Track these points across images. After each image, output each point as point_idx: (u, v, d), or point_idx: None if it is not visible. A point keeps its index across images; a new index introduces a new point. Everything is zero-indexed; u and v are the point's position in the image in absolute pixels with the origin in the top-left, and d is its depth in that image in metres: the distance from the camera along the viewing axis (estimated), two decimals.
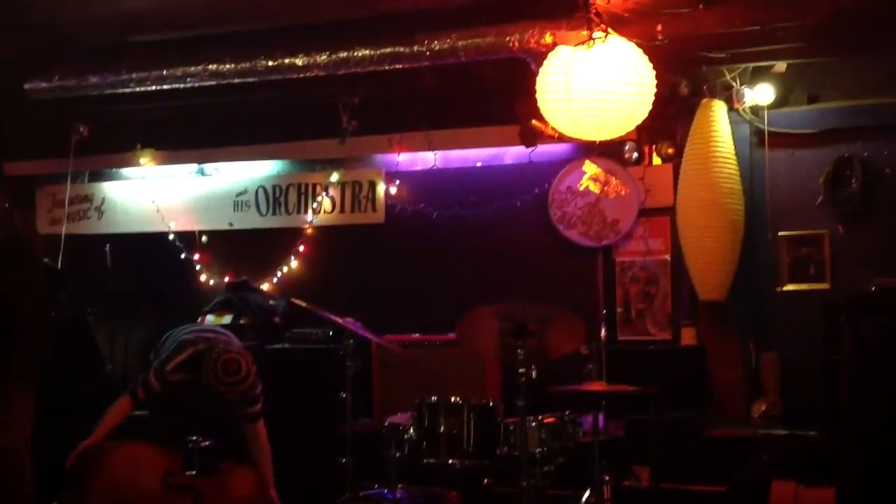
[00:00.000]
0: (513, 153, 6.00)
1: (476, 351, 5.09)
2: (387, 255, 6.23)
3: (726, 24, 4.62)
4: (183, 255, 6.69)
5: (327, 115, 5.94)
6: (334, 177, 6.39)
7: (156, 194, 6.79)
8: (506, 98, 5.31)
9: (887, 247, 5.09)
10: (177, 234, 6.72)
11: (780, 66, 5.27)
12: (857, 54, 5.09)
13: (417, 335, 5.63)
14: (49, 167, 6.93)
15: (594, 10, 4.33)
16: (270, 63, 5.25)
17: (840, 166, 5.22)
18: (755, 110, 5.44)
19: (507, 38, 4.88)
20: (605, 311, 5.34)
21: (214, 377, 4.27)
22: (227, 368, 4.29)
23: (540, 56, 4.57)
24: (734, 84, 5.37)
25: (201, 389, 4.32)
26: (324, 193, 6.42)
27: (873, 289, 4.52)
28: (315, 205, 6.44)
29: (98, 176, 7.08)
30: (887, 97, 5.18)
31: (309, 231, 6.44)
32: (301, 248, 6.43)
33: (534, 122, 5.11)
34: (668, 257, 5.64)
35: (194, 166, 6.85)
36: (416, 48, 5.01)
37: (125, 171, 7.00)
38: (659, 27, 4.69)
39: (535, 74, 4.50)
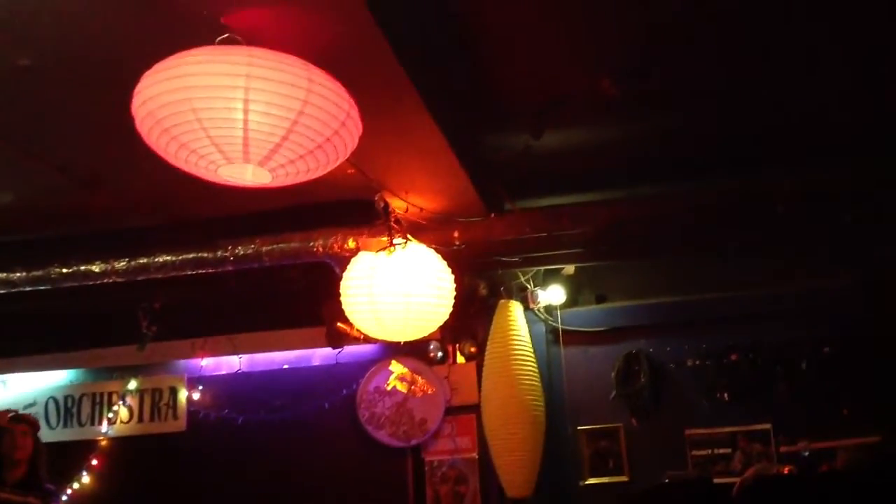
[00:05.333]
0: (320, 355, 5.98)
1: None
2: (189, 465, 5.93)
3: (516, 231, 4.95)
4: None
5: (126, 320, 5.75)
6: (132, 384, 6.13)
7: None
8: (312, 300, 5.35)
9: (676, 438, 5.36)
10: None
11: (569, 268, 5.64)
12: (635, 259, 5.53)
13: None
14: None
15: (394, 218, 4.52)
16: (65, 270, 5.05)
17: (629, 362, 5.53)
18: (549, 310, 5.73)
19: (311, 244, 4.94)
20: None
21: None
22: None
23: (344, 260, 4.67)
24: (528, 286, 5.67)
25: None
26: (121, 402, 6.13)
27: (666, 481, 4.72)
28: (111, 415, 6.12)
29: None
30: (666, 297, 5.61)
31: (104, 443, 6.08)
32: (95, 462, 6.03)
33: (339, 324, 5.16)
34: (475, 455, 5.68)
35: None
36: (219, 253, 5.00)
37: None
38: (455, 234, 4.95)
39: (339, 278, 4.59)
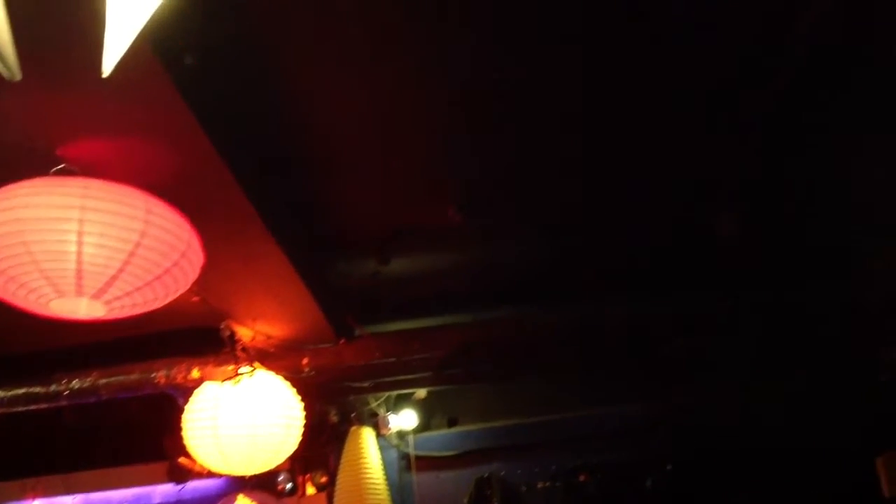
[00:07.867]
0: (161, 491, 5.70)
1: None
2: None
3: (366, 356, 4.92)
4: None
5: None
6: None
7: None
8: (153, 434, 5.13)
9: None
10: None
11: (421, 392, 5.62)
12: (484, 382, 5.59)
13: None
14: None
15: (240, 347, 4.44)
16: None
17: (481, 487, 5.48)
18: (401, 435, 5.67)
19: (153, 374, 4.76)
20: None
21: None
22: None
23: (188, 391, 4.52)
24: (380, 411, 5.62)
25: None
26: None
27: None
28: None
29: None
30: (516, 419, 5.65)
31: None
32: None
33: (182, 458, 4.95)
34: None
35: None
36: (52, 388, 4.73)
37: None
38: (305, 360, 4.88)
39: (183, 410, 4.43)
